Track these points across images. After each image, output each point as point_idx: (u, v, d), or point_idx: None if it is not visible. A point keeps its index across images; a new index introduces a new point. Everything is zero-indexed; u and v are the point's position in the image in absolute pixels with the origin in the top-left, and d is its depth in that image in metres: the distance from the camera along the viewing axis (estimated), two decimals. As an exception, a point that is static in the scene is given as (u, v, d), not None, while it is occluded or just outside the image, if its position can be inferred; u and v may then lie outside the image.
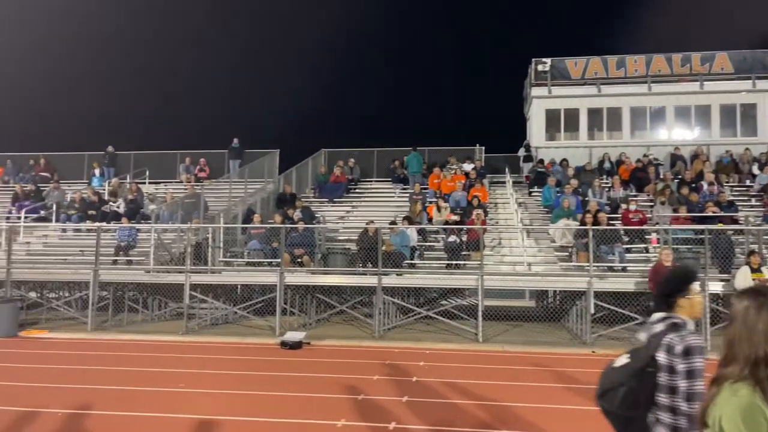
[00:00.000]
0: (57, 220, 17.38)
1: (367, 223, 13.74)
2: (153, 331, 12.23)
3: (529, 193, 18.96)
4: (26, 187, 19.43)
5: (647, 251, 13.70)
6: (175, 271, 13.11)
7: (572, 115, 23.13)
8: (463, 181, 17.79)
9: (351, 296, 13.95)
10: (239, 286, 14.13)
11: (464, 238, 13.76)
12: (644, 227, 13.90)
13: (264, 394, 7.20)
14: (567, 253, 13.80)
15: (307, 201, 18.20)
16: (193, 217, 15.41)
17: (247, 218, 15.61)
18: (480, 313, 11.52)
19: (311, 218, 15.96)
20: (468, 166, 19.62)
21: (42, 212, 17.77)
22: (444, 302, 14.33)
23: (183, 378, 8.00)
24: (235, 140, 21.92)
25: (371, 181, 21.24)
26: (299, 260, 13.08)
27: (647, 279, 10.99)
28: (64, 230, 17.04)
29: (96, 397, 6.89)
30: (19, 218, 17.04)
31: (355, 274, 12.71)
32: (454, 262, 13.33)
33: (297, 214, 15.49)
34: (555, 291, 15.39)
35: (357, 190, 20.39)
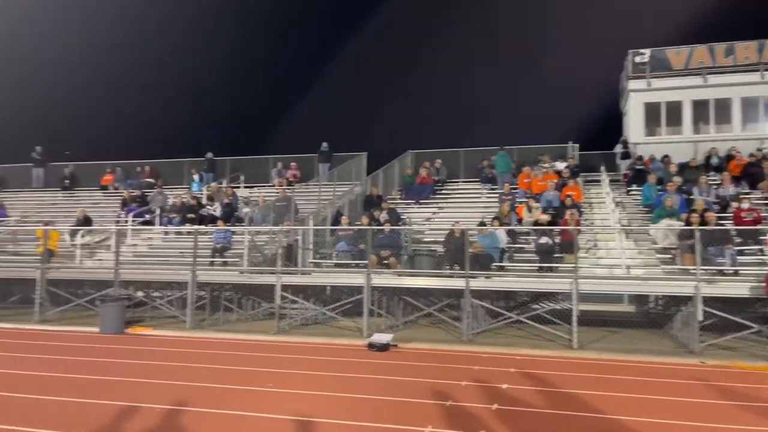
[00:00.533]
0: (160, 224, 18.45)
1: (453, 225, 13.49)
2: (246, 330, 12.62)
3: (628, 192, 17.95)
4: (133, 192, 20.79)
5: (763, 253, 12.52)
6: (267, 272, 13.47)
7: (674, 108, 21.72)
8: (555, 180, 17.11)
9: (438, 299, 13.74)
10: (328, 287, 14.31)
11: (557, 240, 13.20)
12: (759, 227, 12.72)
13: (351, 396, 7.17)
14: (670, 256, 12.88)
15: (393, 203, 18.19)
16: (284, 219, 15.81)
17: (336, 220, 15.82)
18: (575, 318, 10.97)
19: (397, 220, 15.93)
20: (561, 165, 18.86)
21: (147, 216, 18.90)
22: (536, 306, 13.79)
23: (273, 377, 8.14)
24: (324, 144, 22.37)
25: (458, 182, 20.93)
26: (386, 262, 13.04)
27: (764, 284, 10.01)
28: (166, 233, 18.05)
29: (191, 393, 7.13)
30: (127, 222, 18.21)
31: (442, 276, 12.51)
32: (546, 265, 12.80)
33: (383, 216, 15.50)
34: (657, 295, 14.42)
35: (443, 191, 20.16)
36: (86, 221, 18.03)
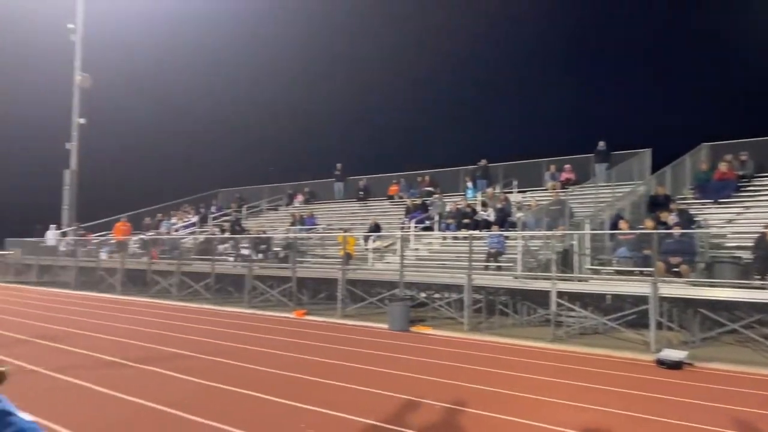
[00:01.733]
0: (439, 229, 19.59)
1: (765, 227, 11.42)
2: (521, 336, 12.55)
3: None
4: (415, 200, 22.49)
5: None
6: (542, 277, 13.22)
7: None
8: None
9: (746, 313, 11.77)
10: (608, 296, 13.40)
11: None
12: None
13: (637, 416, 6.56)
14: None
15: (684, 203, 16.23)
16: (558, 223, 15.36)
17: (615, 224, 14.76)
18: None
19: (689, 222, 14.15)
20: None
21: (427, 222, 20.26)
22: None
23: (549, 386, 7.92)
24: (601, 143, 21.17)
25: (770, 176, 17.71)
26: (676, 269, 11.68)
27: None
28: (444, 238, 19.07)
29: (468, 394, 7.36)
30: (410, 228, 19.78)
31: (750, 287, 10.67)
32: None
33: (672, 218, 13.93)
34: None
35: (750, 188, 17.25)
36: (376, 228, 20.12)
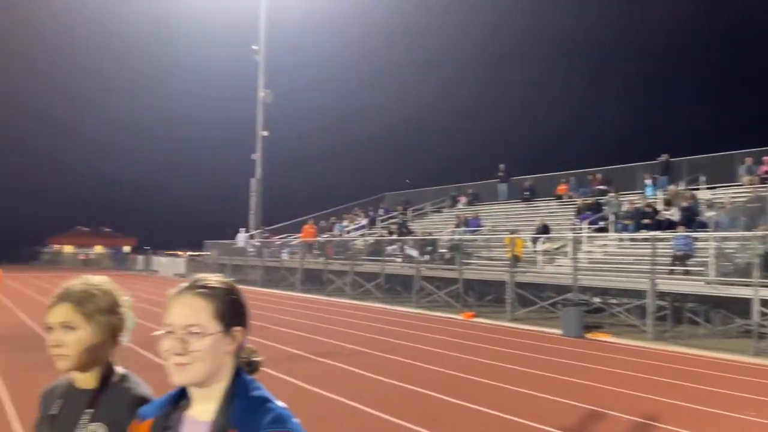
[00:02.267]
0: (614, 230, 18.39)
1: None
2: (716, 348, 11.34)
3: None
4: (587, 200, 21.36)
5: None
6: (740, 283, 11.83)
7: None
8: None
9: None
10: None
11: None
12: None
13: None
14: None
15: None
16: (759, 222, 13.64)
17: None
18: None
19: None
20: None
21: (601, 223, 19.13)
22: None
23: (755, 405, 7.06)
24: (812, 129, 18.38)
25: None
26: None
27: None
28: (621, 239, 17.87)
29: (658, 408, 6.81)
30: (581, 229, 18.82)
31: None
32: None
33: None
34: None
35: None
36: (545, 229, 19.44)
